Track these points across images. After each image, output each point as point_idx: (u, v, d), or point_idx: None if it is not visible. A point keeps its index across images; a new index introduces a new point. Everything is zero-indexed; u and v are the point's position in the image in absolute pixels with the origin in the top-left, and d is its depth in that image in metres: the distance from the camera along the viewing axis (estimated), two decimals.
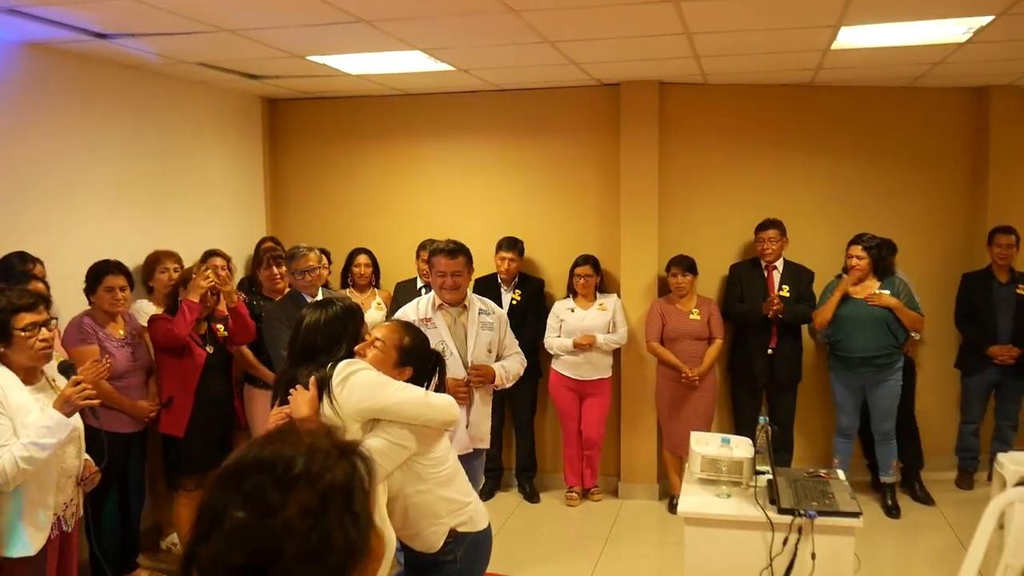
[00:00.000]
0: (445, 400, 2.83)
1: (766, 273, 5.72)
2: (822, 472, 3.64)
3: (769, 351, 5.64)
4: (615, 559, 5.09)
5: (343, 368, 2.72)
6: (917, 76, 5.52)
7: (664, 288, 5.86)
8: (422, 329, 3.84)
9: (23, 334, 3.09)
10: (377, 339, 2.87)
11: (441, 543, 2.78)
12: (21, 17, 3.79)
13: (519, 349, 4.25)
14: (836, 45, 4.53)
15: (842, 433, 5.60)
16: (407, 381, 2.83)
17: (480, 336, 4.03)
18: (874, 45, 4.55)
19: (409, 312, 4.10)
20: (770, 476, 3.51)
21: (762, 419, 3.61)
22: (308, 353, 2.88)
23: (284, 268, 4.95)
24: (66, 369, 3.45)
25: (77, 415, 3.24)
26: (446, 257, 3.94)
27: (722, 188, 6.01)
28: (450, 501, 2.80)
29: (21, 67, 4.39)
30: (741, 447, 3.60)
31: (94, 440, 3.58)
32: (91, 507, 4.33)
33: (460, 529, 2.81)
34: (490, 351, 4.09)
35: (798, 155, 5.97)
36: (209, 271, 4.57)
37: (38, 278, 3.97)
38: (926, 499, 5.69)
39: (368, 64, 5.05)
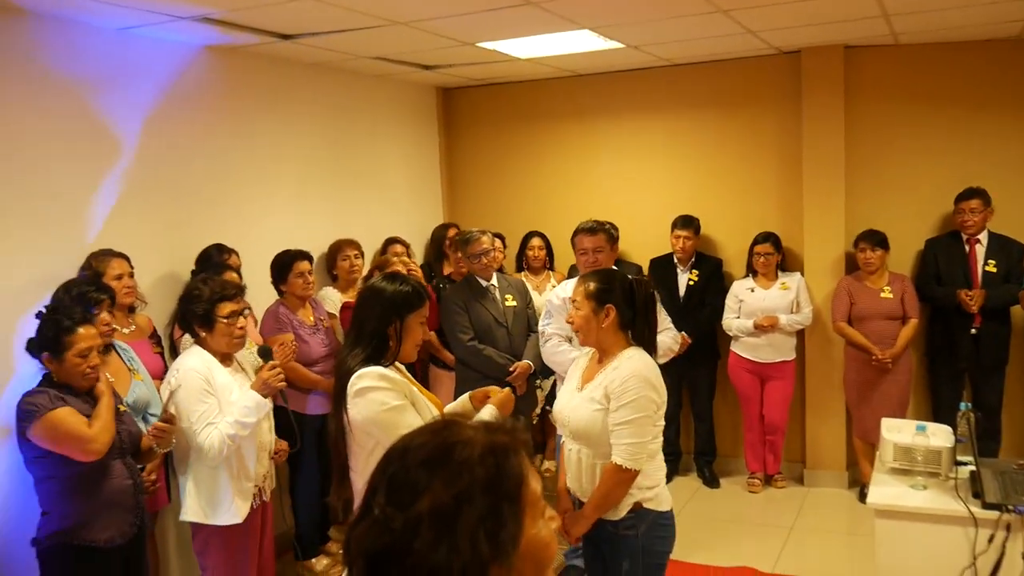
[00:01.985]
0: None
1: (968, 247, 5.26)
2: None
3: (972, 331, 5.18)
4: (800, 549, 4.88)
5: (357, 380, 2.62)
6: None
7: (852, 265, 5.53)
8: (567, 310, 3.85)
9: (225, 322, 3.32)
10: (574, 300, 2.93)
11: (624, 512, 2.77)
12: (211, 24, 4.04)
13: (671, 326, 4.16)
14: None
15: None
16: (615, 318, 2.82)
17: None
18: None
19: (558, 292, 4.22)
20: (973, 467, 3.22)
21: (964, 405, 3.32)
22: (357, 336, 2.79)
23: (459, 253, 5.05)
24: (265, 353, 3.67)
25: None
26: (586, 235, 4.06)
27: (916, 156, 5.57)
28: (644, 475, 2.77)
29: (207, 70, 4.68)
30: (939, 435, 3.33)
31: (286, 420, 3.83)
32: (293, 484, 4.67)
33: (645, 504, 2.79)
34: None
35: (1003, 117, 5.42)
36: (404, 257, 4.75)
37: (233, 268, 4.24)
38: None
39: (537, 47, 5.04)
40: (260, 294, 4.68)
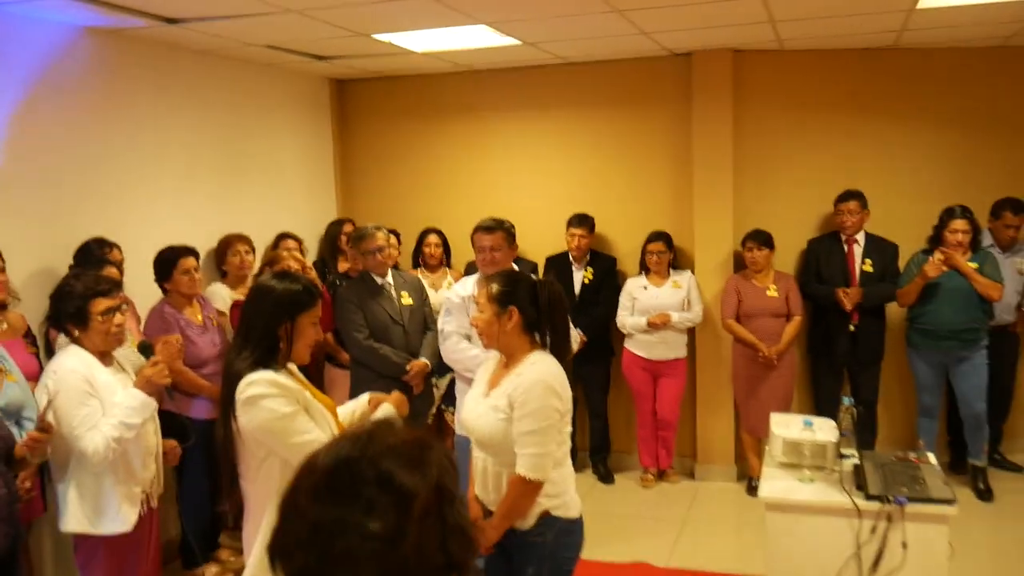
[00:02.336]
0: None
1: (846, 247, 5.49)
2: (912, 456, 3.46)
3: (851, 328, 5.41)
4: (693, 542, 4.99)
5: (246, 387, 2.52)
6: (1009, 35, 5.19)
7: (740, 264, 5.69)
8: (469, 305, 3.82)
9: (100, 319, 3.14)
10: (477, 302, 2.90)
11: (533, 521, 2.73)
12: (86, 2, 3.81)
13: (570, 325, 4.17)
14: (923, 3, 4.27)
15: (925, 413, 5.36)
16: (519, 321, 2.75)
17: None
18: (964, 3, 4.28)
19: (457, 290, 4.21)
20: (856, 460, 3.35)
21: (846, 400, 3.45)
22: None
23: (354, 249, 4.94)
24: (145, 349, 3.49)
25: None
26: (485, 233, 4.04)
27: (800, 159, 5.78)
28: (551, 483, 2.72)
29: (86, 53, 4.43)
30: (824, 430, 3.45)
31: (172, 421, 3.66)
32: (181, 490, 4.48)
33: (553, 512, 2.75)
34: None
35: (879, 122, 5.69)
36: (296, 253, 4.61)
37: (114, 263, 4.02)
38: (1013, 467, 5.53)
39: (433, 41, 4.98)
40: (145, 291, 4.47)
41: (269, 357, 2.56)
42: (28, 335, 3.83)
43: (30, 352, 3.75)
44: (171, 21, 4.25)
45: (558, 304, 2.84)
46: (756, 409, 5.46)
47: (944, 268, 5.02)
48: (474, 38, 4.90)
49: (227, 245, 5.13)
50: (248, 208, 5.60)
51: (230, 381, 2.53)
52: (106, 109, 4.58)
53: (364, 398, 2.98)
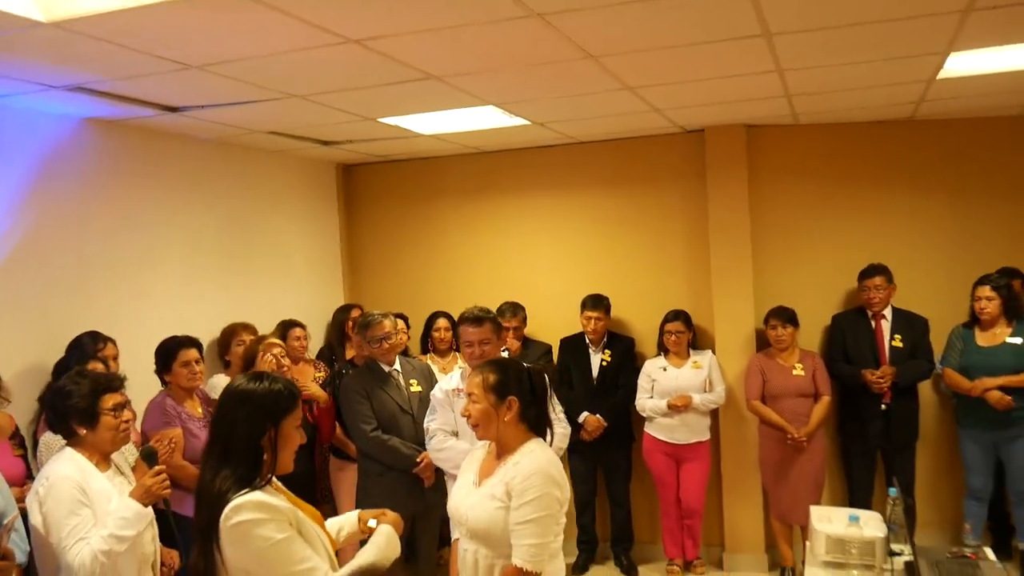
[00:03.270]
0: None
1: (874, 323, 5.27)
2: (967, 550, 3.19)
3: (883, 407, 5.16)
4: None
5: (232, 513, 2.19)
6: None
7: (763, 342, 5.47)
8: (454, 400, 3.73)
9: (111, 415, 2.97)
10: (470, 393, 2.76)
11: None
12: (89, 94, 3.74)
13: (563, 416, 3.98)
14: (943, 74, 4.16)
15: (974, 496, 5.06)
16: (517, 411, 2.70)
17: None
18: (986, 71, 4.16)
19: (442, 385, 4.07)
20: (908, 557, 3.08)
21: (892, 491, 3.20)
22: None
23: (359, 336, 4.76)
24: (148, 456, 3.29)
25: None
26: (471, 325, 3.84)
27: (821, 234, 5.63)
28: None
29: (85, 144, 4.35)
30: (871, 524, 3.19)
31: (167, 525, 3.42)
32: None
33: None
34: None
35: (901, 195, 5.54)
36: (269, 356, 4.43)
37: (104, 360, 3.84)
38: None
39: (441, 123, 4.89)
40: (142, 386, 4.28)
41: (253, 472, 2.26)
42: (15, 436, 3.63)
43: (16, 455, 3.56)
44: (172, 110, 4.17)
45: (546, 393, 2.83)
46: (786, 494, 5.19)
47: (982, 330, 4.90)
48: (482, 119, 4.81)
49: (231, 334, 4.98)
50: (253, 296, 5.46)
51: (210, 505, 2.21)
52: (107, 200, 4.48)
53: (353, 516, 2.72)
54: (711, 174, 5.60)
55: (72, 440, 3.00)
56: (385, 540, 2.51)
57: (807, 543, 3.35)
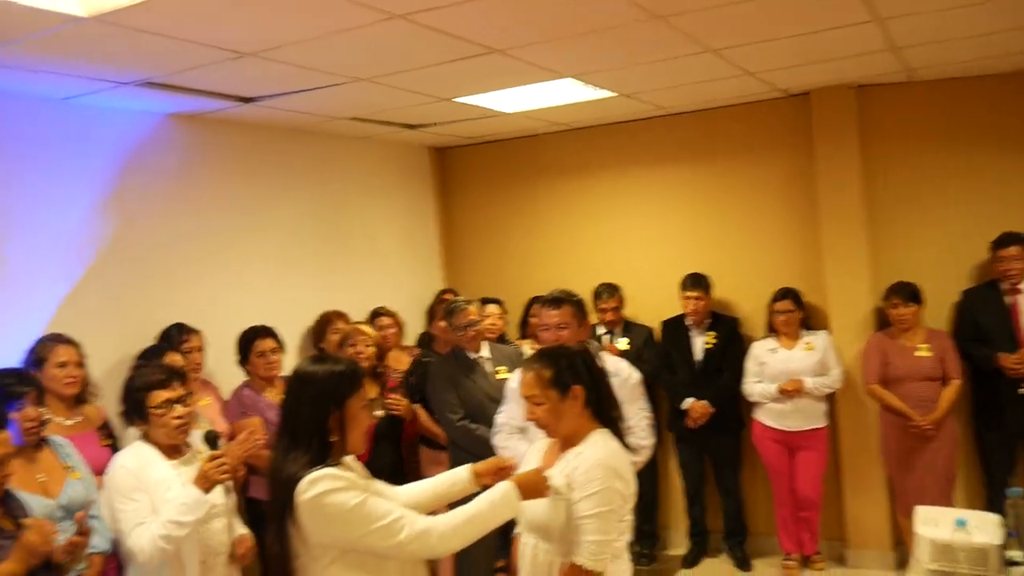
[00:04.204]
0: (438, 529, 2.28)
1: (1008, 299, 4.72)
2: None
3: (1020, 392, 4.61)
4: None
5: (309, 486, 2.19)
6: None
7: (883, 321, 5.01)
8: None
9: (158, 412, 3.02)
10: (528, 396, 2.59)
11: None
12: (159, 89, 3.77)
13: (645, 423, 3.52)
14: None
15: None
16: (583, 398, 2.55)
17: None
18: None
19: (519, 375, 3.63)
20: None
21: (1013, 491, 2.80)
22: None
23: (444, 323, 4.66)
24: (211, 440, 3.30)
25: (220, 489, 3.07)
26: (549, 307, 3.52)
27: (945, 201, 5.08)
28: None
29: (170, 139, 4.45)
30: (985, 528, 2.80)
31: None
32: None
33: None
34: None
35: None
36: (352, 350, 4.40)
37: (181, 351, 3.90)
38: None
39: (522, 99, 4.71)
40: (235, 376, 4.36)
41: (323, 454, 2.26)
42: (104, 427, 3.73)
43: (103, 445, 3.65)
44: (247, 100, 4.18)
45: (603, 371, 2.66)
46: (912, 487, 4.74)
47: None
48: (564, 93, 4.60)
49: (326, 323, 4.99)
50: (348, 284, 5.47)
51: (283, 487, 2.22)
52: (194, 194, 4.56)
53: (463, 472, 2.64)
54: (819, 140, 5.17)
55: (142, 431, 3.08)
56: (500, 496, 2.38)
57: (912, 549, 3.00)
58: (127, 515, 2.88)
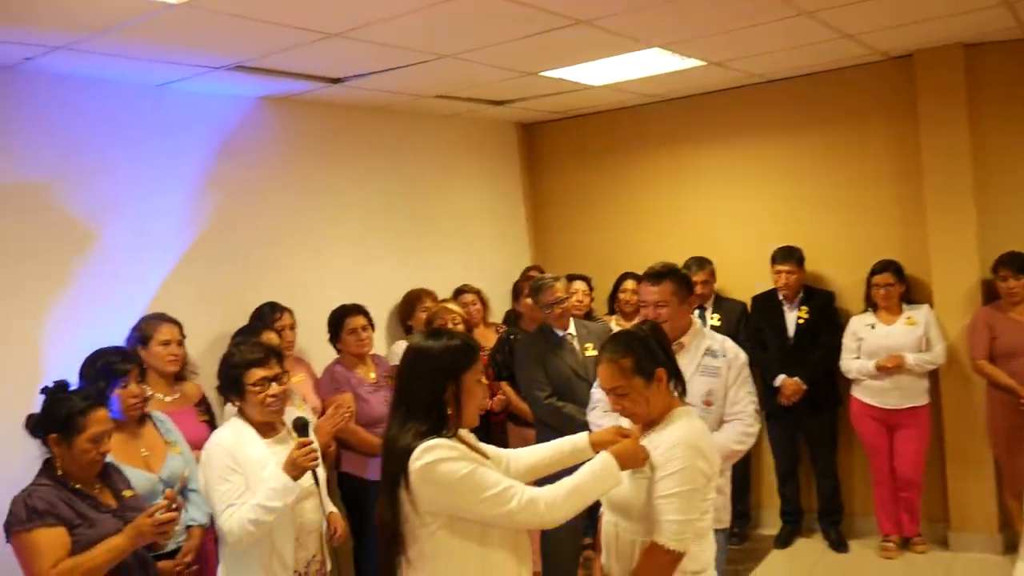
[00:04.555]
0: (549, 498, 2.28)
1: None
2: None
3: None
4: None
5: (423, 454, 2.22)
6: None
7: (991, 294, 4.78)
8: None
9: (255, 389, 3.03)
10: (612, 388, 2.52)
11: None
12: (250, 72, 3.84)
13: (751, 409, 3.29)
14: None
15: None
16: (666, 380, 2.50)
17: (695, 382, 3.13)
18: None
19: None
20: None
21: None
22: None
23: (530, 300, 4.64)
24: (300, 427, 3.35)
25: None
26: (649, 283, 3.27)
27: None
28: (690, 558, 2.43)
29: (262, 122, 4.52)
30: None
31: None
32: (358, 560, 4.35)
33: None
34: (708, 403, 3.23)
35: None
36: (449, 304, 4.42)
37: (277, 329, 3.98)
38: None
39: (608, 72, 4.63)
40: (325, 354, 4.45)
41: (439, 427, 2.29)
42: (202, 403, 3.85)
43: (201, 421, 3.77)
44: (335, 81, 4.22)
45: (670, 345, 2.62)
46: (1022, 469, 4.52)
47: None
48: (651, 64, 4.50)
49: (415, 299, 5.04)
50: (435, 261, 5.51)
51: (397, 457, 2.26)
52: (286, 175, 4.64)
53: (582, 439, 2.63)
54: (923, 104, 4.93)
55: (238, 408, 3.11)
56: (601, 467, 2.37)
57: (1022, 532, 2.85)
58: (219, 495, 2.89)
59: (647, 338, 2.55)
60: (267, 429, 3.10)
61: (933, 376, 4.97)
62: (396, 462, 2.25)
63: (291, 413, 3.69)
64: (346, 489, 4.27)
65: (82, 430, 2.72)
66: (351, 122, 5.00)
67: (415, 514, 2.24)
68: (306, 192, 4.74)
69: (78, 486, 2.76)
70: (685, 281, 3.30)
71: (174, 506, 2.76)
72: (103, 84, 3.80)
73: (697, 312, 5.46)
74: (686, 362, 3.16)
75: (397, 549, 2.29)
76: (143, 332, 3.68)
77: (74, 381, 3.21)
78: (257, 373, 3.04)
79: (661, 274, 3.26)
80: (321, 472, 3.22)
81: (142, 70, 3.68)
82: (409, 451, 2.22)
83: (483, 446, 2.48)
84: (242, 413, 3.10)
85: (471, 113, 5.59)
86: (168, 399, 3.68)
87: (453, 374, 2.31)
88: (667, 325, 3.15)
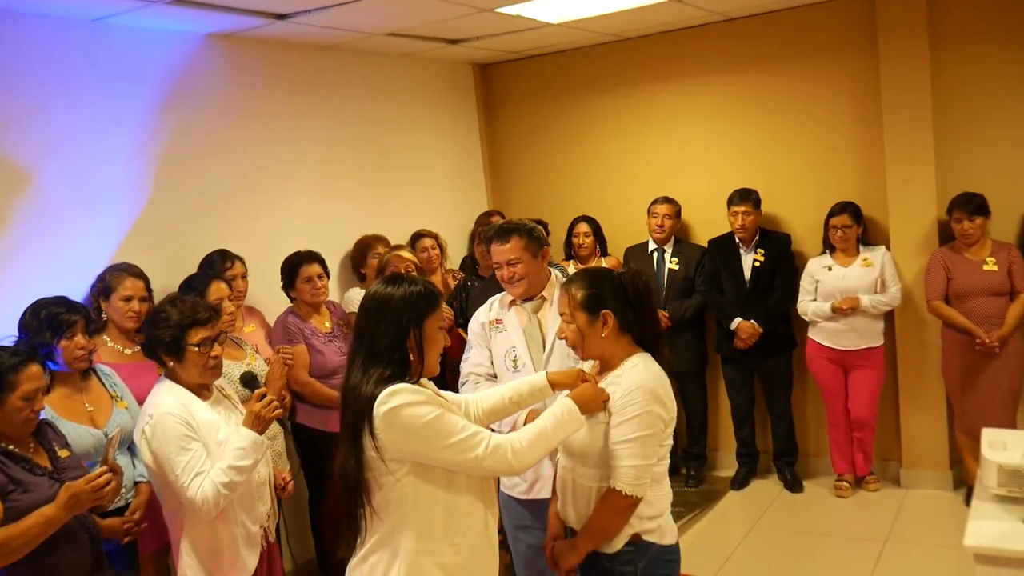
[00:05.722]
0: (515, 445, 2.27)
1: None
2: None
3: None
4: (898, 565, 4.26)
5: (388, 398, 2.17)
6: None
7: (946, 235, 4.79)
8: (492, 333, 3.20)
9: (197, 350, 2.84)
10: (562, 312, 2.55)
11: (621, 544, 2.44)
12: (189, 6, 3.64)
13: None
14: None
15: None
16: (614, 324, 2.47)
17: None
18: None
19: (479, 316, 3.30)
20: None
21: None
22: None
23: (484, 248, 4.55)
24: (249, 381, 3.24)
25: None
26: (497, 243, 3.11)
27: (1018, 107, 4.78)
28: (647, 503, 2.43)
29: (208, 61, 4.31)
30: None
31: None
32: (314, 509, 4.29)
33: (645, 536, 2.45)
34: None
35: None
36: (402, 252, 4.32)
37: (230, 280, 3.82)
38: None
39: (567, 8, 4.49)
40: (275, 303, 4.33)
41: (403, 373, 2.23)
42: None
43: (161, 373, 3.62)
44: (281, 17, 4.03)
45: (647, 297, 2.55)
46: (974, 406, 4.60)
47: None
48: (611, 0, 4.36)
49: (365, 247, 4.90)
50: (390, 207, 5.36)
51: (359, 403, 2.20)
52: (233, 115, 4.46)
53: (541, 379, 2.59)
54: (884, 42, 4.87)
55: (167, 371, 2.89)
56: (563, 411, 2.36)
57: (978, 474, 2.88)
58: (183, 466, 2.70)
59: (616, 279, 2.53)
60: (202, 391, 2.91)
61: (888, 317, 5.01)
62: (359, 408, 2.20)
63: (239, 367, 3.61)
64: (302, 440, 4.19)
65: (13, 388, 2.58)
66: (301, 62, 4.80)
67: (380, 461, 2.20)
68: (256, 135, 4.56)
69: (11, 447, 2.61)
70: (534, 234, 3.12)
71: (112, 467, 2.65)
72: (32, 18, 3.56)
73: (656, 255, 5.44)
74: (551, 316, 3.07)
75: (360, 498, 2.24)
76: (106, 283, 3.53)
77: (13, 332, 3.08)
78: (200, 333, 2.84)
79: (507, 230, 3.11)
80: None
81: (74, 2, 3.46)
82: (373, 397, 2.17)
83: (444, 393, 2.43)
84: (173, 376, 2.88)
85: (426, 53, 5.42)
86: (128, 352, 3.53)
87: (416, 320, 2.26)
88: (524, 282, 3.10)
